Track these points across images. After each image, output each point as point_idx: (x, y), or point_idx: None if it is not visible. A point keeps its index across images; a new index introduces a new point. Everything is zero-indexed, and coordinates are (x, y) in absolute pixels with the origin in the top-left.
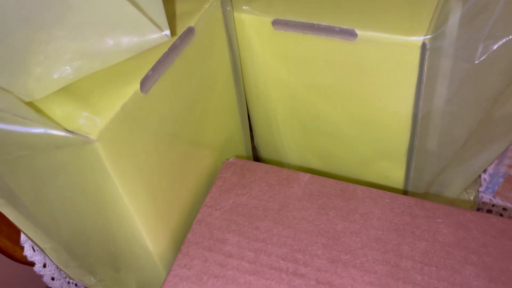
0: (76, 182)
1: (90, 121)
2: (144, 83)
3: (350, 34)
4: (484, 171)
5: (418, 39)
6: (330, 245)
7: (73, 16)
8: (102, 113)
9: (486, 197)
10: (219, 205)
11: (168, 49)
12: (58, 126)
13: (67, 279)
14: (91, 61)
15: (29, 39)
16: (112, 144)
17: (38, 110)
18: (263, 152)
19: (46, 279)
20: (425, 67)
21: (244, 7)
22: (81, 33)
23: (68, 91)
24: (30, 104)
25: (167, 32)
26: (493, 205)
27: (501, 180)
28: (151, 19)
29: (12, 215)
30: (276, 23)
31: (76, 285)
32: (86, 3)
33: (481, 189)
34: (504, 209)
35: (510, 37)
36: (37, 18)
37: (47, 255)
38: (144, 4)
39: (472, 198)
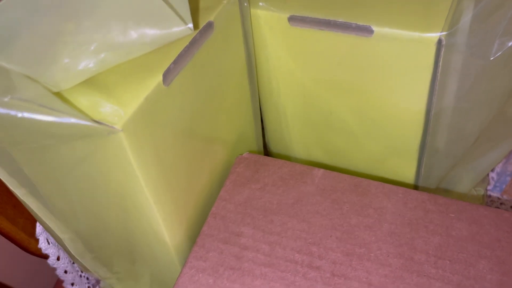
0: (98, 172)
1: (115, 111)
2: (166, 76)
3: (366, 30)
4: (492, 170)
5: (434, 36)
6: (345, 238)
7: (101, 8)
8: (126, 104)
9: (494, 195)
10: (233, 198)
11: (189, 42)
12: (85, 116)
13: (79, 273)
14: (116, 53)
15: (58, 30)
16: (135, 135)
17: (65, 100)
18: (274, 147)
19: (59, 272)
20: (440, 64)
21: (261, 4)
22: (107, 26)
23: (93, 82)
24: (57, 94)
25: (191, 25)
26: (501, 203)
27: (509, 178)
28: (176, 12)
29: (34, 205)
30: (292, 19)
31: (87, 278)
32: None
33: (489, 187)
34: None
35: None
36: (66, 9)
37: (64, 245)
38: None
39: (481, 195)
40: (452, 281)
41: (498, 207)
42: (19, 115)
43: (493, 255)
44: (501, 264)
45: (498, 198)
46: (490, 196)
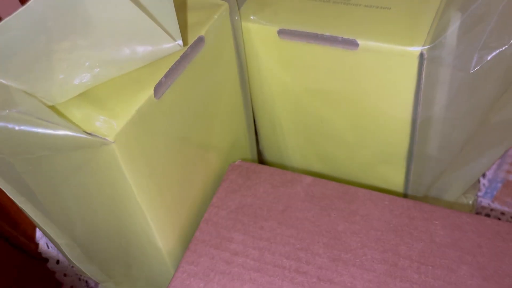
0: (92, 181)
1: (107, 124)
2: (158, 89)
3: (352, 43)
4: (483, 176)
5: (416, 49)
6: (331, 244)
7: (94, 27)
8: (119, 116)
9: (485, 202)
10: (225, 205)
11: (180, 57)
12: (78, 128)
13: (79, 276)
14: (109, 69)
15: (54, 48)
16: (127, 146)
17: (60, 113)
18: (268, 155)
19: (59, 276)
20: (423, 76)
21: (252, 17)
22: (100, 43)
23: (87, 96)
24: (52, 108)
25: (180, 42)
26: (491, 210)
27: (500, 185)
28: (165, 30)
29: (32, 212)
30: (281, 32)
31: (86, 282)
32: (106, 16)
33: (480, 194)
34: (502, 213)
35: (503, 48)
36: (62, 29)
37: (61, 251)
38: (159, 15)
39: (471, 202)
40: (433, 286)
41: (489, 214)
42: (17, 127)
43: (474, 261)
44: (481, 269)
45: (489, 205)
46: (481, 202)
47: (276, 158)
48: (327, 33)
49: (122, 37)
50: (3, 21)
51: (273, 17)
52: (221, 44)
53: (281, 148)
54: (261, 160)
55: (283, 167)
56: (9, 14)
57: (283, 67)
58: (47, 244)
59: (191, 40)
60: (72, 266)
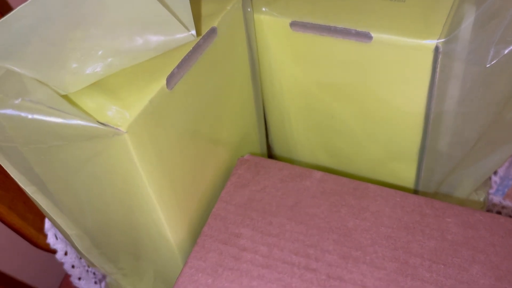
0: (104, 172)
1: (120, 114)
2: (170, 80)
3: (365, 36)
4: (495, 174)
5: (431, 43)
6: (341, 241)
7: (108, 16)
8: (131, 107)
9: (496, 199)
10: (234, 200)
11: (193, 48)
12: (91, 118)
13: (86, 267)
14: (122, 58)
15: (68, 37)
16: (140, 136)
17: (73, 103)
18: (277, 149)
19: (67, 267)
20: (438, 70)
21: (263, 9)
22: (114, 32)
23: (100, 85)
24: (65, 97)
25: (193, 32)
26: (503, 207)
27: (511, 183)
28: (179, 20)
29: (43, 202)
30: (294, 24)
31: (94, 273)
32: (120, 5)
33: (491, 191)
34: None
35: None
36: (76, 18)
37: (71, 241)
38: (174, 5)
39: (482, 199)
40: (445, 285)
41: (500, 211)
42: (30, 116)
43: (487, 260)
44: (494, 269)
45: (500, 202)
46: (492, 200)
47: (285, 153)
48: (340, 26)
49: (135, 26)
50: (16, 9)
51: (285, 9)
52: (233, 36)
53: (291, 143)
54: (270, 154)
55: (292, 161)
56: (22, 3)
57: (294, 60)
58: (55, 235)
59: (204, 31)
60: (80, 258)
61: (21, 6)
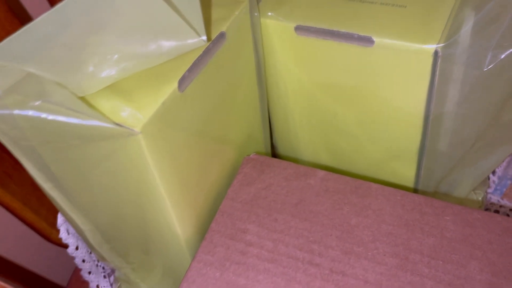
0: (118, 170)
1: (134, 115)
2: (181, 83)
3: (367, 40)
4: (493, 173)
5: (431, 47)
6: (344, 237)
7: (123, 23)
8: (145, 108)
9: (494, 198)
10: (240, 197)
11: (203, 52)
12: (108, 119)
13: (96, 262)
14: (136, 62)
15: (86, 43)
16: (153, 137)
17: (89, 104)
18: (281, 149)
19: (78, 261)
20: (437, 73)
21: (269, 14)
22: (128, 38)
23: (115, 88)
24: (82, 99)
25: (204, 37)
26: (500, 206)
27: (509, 182)
28: (191, 26)
29: (59, 198)
30: (298, 29)
31: (103, 268)
32: (135, 12)
33: (489, 190)
34: (511, 210)
35: None
36: (94, 25)
37: (84, 236)
38: (186, 11)
39: (480, 198)
40: (443, 281)
41: (498, 210)
42: (49, 117)
43: (484, 257)
44: (491, 265)
45: (498, 201)
46: (490, 199)
47: (289, 152)
48: (343, 30)
49: (149, 32)
50: (39, 17)
51: (290, 14)
52: (240, 40)
53: (294, 143)
54: (274, 153)
55: (295, 161)
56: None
57: (298, 63)
58: (67, 230)
59: (213, 35)
60: (91, 252)
61: (44, 14)
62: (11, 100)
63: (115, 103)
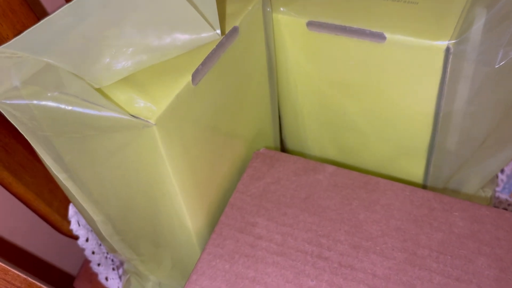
0: (132, 161)
1: (149, 107)
2: (195, 76)
3: (379, 36)
4: (502, 172)
5: (442, 44)
6: (353, 232)
7: (141, 15)
8: (159, 101)
9: (502, 197)
10: (249, 191)
11: (216, 46)
12: (123, 110)
13: (105, 254)
14: (151, 55)
15: (103, 35)
16: (166, 129)
17: (105, 96)
18: (290, 144)
19: (87, 252)
20: (448, 70)
21: (281, 9)
22: (145, 31)
23: (130, 80)
24: (98, 90)
25: (219, 31)
26: (509, 204)
27: None
28: (206, 19)
29: (73, 189)
30: (310, 24)
31: (112, 260)
32: (152, 5)
33: (498, 188)
34: None
35: None
36: (111, 17)
37: (96, 227)
38: (201, 5)
39: (488, 196)
40: (451, 275)
41: (506, 208)
42: (67, 108)
43: (492, 253)
44: (499, 261)
45: (506, 200)
46: (498, 197)
47: (297, 147)
48: (355, 26)
49: (165, 25)
50: (59, 9)
51: (303, 9)
52: (253, 35)
53: (303, 138)
54: (283, 148)
55: (304, 156)
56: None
57: (310, 59)
58: (78, 222)
59: (227, 29)
60: (100, 244)
61: (64, 6)
62: (30, 90)
63: (130, 95)
